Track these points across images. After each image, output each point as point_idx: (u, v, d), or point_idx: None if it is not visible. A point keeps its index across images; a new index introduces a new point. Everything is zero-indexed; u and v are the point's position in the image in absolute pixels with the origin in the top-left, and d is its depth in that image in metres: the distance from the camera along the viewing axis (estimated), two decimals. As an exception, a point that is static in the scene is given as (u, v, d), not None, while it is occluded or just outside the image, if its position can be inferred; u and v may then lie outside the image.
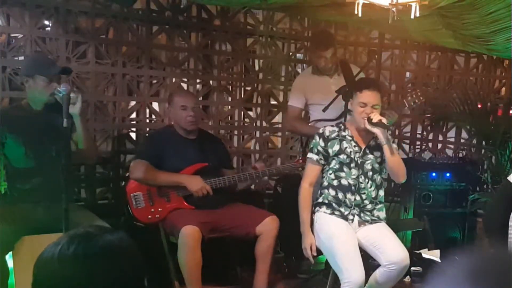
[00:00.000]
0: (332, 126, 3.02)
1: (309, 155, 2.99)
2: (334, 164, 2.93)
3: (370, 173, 2.92)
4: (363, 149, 2.93)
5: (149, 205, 3.23)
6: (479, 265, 0.71)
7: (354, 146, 2.92)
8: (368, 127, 2.82)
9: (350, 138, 2.93)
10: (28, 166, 2.85)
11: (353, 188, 2.90)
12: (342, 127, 2.98)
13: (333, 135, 2.94)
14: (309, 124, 3.79)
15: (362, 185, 2.91)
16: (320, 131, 2.99)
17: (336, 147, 2.92)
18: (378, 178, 2.95)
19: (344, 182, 2.91)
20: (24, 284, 2.48)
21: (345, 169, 2.91)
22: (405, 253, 2.78)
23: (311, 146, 3.01)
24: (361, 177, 2.91)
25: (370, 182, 2.92)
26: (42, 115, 2.88)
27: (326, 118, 3.61)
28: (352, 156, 2.91)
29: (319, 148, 2.95)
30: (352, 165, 2.90)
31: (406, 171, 2.93)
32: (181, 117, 3.28)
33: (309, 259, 2.95)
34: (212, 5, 4.12)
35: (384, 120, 2.82)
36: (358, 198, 2.90)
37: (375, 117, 2.80)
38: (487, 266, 0.71)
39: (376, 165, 2.93)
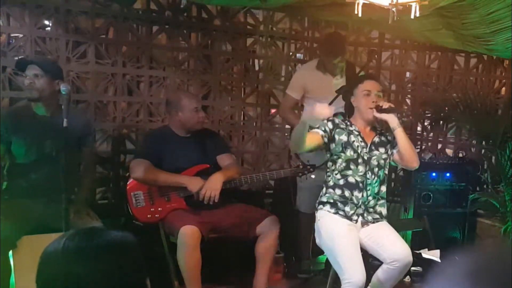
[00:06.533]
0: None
1: (314, 130, 2.86)
2: (340, 163, 2.90)
3: (376, 169, 2.92)
4: (369, 144, 2.93)
5: (150, 204, 3.23)
6: (479, 265, 0.71)
7: (361, 141, 2.92)
8: (377, 115, 2.85)
9: (357, 133, 2.93)
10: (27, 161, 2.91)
11: (360, 185, 2.89)
12: (348, 123, 2.97)
13: (342, 126, 2.94)
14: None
15: (369, 181, 2.90)
16: (330, 118, 2.90)
17: (344, 138, 2.89)
18: (382, 173, 2.95)
19: (351, 180, 2.90)
20: (24, 284, 2.48)
21: (352, 166, 2.89)
22: (408, 250, 2.80)
23: (317, 126, 2.87)
24: (368, 173, 2.90)
25: (375, 177, 2.92)
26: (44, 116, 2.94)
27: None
28: (359, 151, 2.90)
29: (326, 128, 2.89)
30: (360, 161, 2.89)
31: (418, 156, 2.96)
32: (194, 119, 3.28)
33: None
34: (212, 5, 4.12)
35: (392, 105, 2.85)
36: (364, 194, 2.89)
37: (384, 104, 2.84)
38: (487, 266, 0.71)
39: (382, 161, 2.94)
